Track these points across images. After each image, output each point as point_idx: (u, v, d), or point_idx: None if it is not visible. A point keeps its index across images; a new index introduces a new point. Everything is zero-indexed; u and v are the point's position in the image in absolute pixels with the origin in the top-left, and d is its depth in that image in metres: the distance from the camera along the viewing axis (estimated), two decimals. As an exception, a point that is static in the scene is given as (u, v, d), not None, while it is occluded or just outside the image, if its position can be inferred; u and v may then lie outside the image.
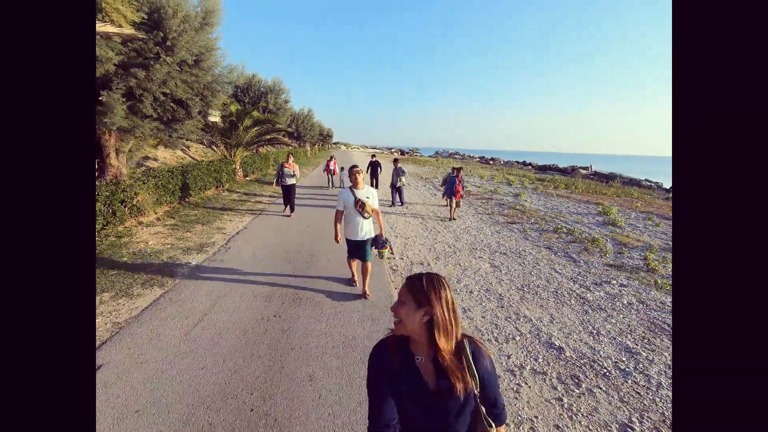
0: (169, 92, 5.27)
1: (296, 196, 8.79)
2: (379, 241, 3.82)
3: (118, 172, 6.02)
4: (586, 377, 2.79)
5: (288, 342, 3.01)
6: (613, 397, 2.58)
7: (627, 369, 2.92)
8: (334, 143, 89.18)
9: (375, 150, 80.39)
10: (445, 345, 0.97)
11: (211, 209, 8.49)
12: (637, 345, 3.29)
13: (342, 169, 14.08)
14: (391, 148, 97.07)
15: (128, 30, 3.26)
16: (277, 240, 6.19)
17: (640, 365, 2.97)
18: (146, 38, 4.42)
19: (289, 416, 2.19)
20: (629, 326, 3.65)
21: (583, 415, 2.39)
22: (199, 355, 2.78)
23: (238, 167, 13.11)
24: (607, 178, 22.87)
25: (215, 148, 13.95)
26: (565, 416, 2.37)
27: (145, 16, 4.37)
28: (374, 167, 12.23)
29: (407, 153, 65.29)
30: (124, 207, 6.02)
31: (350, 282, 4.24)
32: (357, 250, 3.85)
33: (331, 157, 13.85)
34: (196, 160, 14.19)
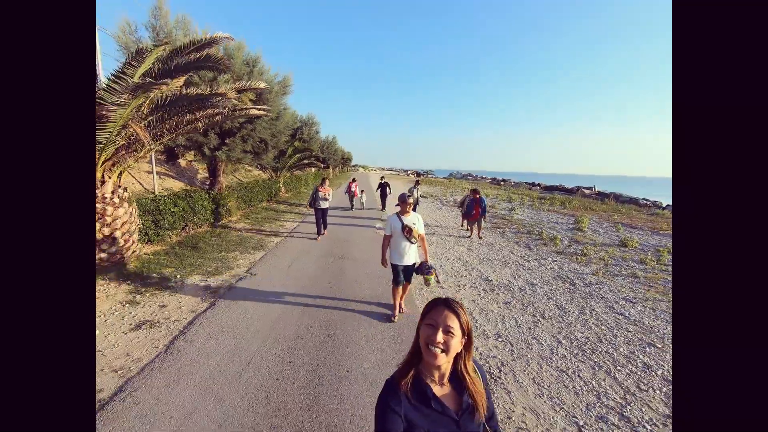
0: (261, 136, 8.45)
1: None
2: (424, 268, 3.84)
3: (221, 186, 9.16)
4: (499, 289, 5.31)
5: (342, 273, 5.71)
6: (508, 296, 5.08)
7: (524, 289, 5.39)
8: (353, 165, 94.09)
9: (391, 172, 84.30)
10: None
11: (270, 214, 11.53)
12: (538, 283, 5.73)
13: (362, 192, 15.36)
14: (407, 170, 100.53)
15: (266, 113, 6.27)
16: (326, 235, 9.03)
17: (533, 288, 5.43)
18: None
19: (350, 290, 4.87)
20: (541, 276, 6.09)
21: (487, 299, 4.91)
22: (301, 273, 5.54)
23: (281, 186, 16.39)
24: (606, 196, 24.72)
25: (264, 171, 17.36)
26: (478, 298, 4.91)
27: (255, 96, 7.58)
28: (383, 188, 13.36)
29: (422, 174, 68.15)
30: (223, 209, 9.08)
31: (390, 318, 3.92)
32: (404, 274, 3.91)
33: (353, 179, 14.48)
34: (241, 181, 17.60)
